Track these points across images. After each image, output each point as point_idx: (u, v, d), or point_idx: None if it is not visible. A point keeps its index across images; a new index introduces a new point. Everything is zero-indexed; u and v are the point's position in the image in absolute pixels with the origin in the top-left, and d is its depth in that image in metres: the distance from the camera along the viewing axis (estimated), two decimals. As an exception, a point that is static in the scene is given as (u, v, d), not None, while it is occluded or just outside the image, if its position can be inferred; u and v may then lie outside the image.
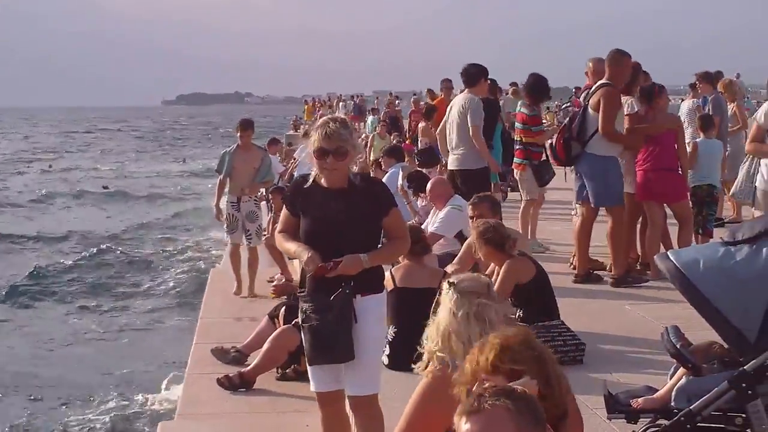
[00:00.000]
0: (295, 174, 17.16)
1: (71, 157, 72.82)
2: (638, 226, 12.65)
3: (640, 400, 5.93)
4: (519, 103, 17.04)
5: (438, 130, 14.64)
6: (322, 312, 6.00)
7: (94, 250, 26.99)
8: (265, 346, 9.39)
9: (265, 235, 14.11)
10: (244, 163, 13.29)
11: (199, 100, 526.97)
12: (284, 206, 6.43)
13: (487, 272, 9.41)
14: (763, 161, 9.23)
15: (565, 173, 12.95)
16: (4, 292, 20.92)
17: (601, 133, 11.44)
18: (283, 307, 9.88)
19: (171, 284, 22.22)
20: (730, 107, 17.12)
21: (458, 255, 10.23)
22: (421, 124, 22.32)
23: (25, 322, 18.80)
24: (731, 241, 5.68)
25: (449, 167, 13.31)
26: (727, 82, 17.69)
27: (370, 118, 35.07)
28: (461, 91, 14.15)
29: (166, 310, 19.32)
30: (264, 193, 15.89)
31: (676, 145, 12.15)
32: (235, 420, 8.59)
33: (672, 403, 5.76)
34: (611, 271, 12.18)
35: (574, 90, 28.24)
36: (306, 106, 64.19)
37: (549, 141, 13.85)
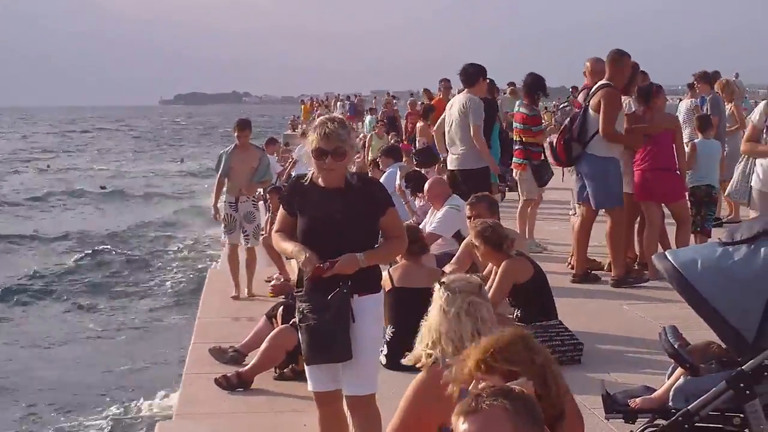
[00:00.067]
0: (293, 174, 17.14)
1: (69, 157, 72.77)
2: (636, 225, 12.66)
3: (638, 400, 5.93)
4: (517, 103, 17.04)
5: (435, 128, 14.65)
6: (320, 312, 6.00)
7: (91, 250, 26.98)
8: (263, 345, 9.38)
9: (263, 234, 14.09)
10: (242, 164, 13.26)
11: (197, 99, 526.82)
12: (281, 206, 6.42)
13: (485, 272, 9.42)
14: (758, 161, 9.23)
15: (563, 173, 12.95)
16: (0, 291, 20.91)
17: (601, 134, 11.44)
18: (281, 307, 9.86)
19: (169, 284, 22.22)
20: (728, 107, 17.14)
21: (456, 255, 10.24)
22: (419, 124, 22.33)
23: (23, 322, 18.79)
24: (729, 242, 5.69)
25: (449, 167, 13.31)
26: (724, 82, 17.70)
27: (368, 118, 35.08)
28: (459, 91, 14.15)
29: (164, 310, 19.31)
30: (262, 193, 15.86)
31: (674, 145, 12.17)
32: (233, 420, 8.58)
33: (670, 403, 5.77)
34: (609, 271, 12.20)
35: (571, 90, 28.25)
36: (303, 106, 64.15)
37: (549, 140, 13.87)
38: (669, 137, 12.10)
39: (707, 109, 16.34)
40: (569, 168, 12.40)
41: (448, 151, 13.37)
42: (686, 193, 12.90)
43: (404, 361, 5.22)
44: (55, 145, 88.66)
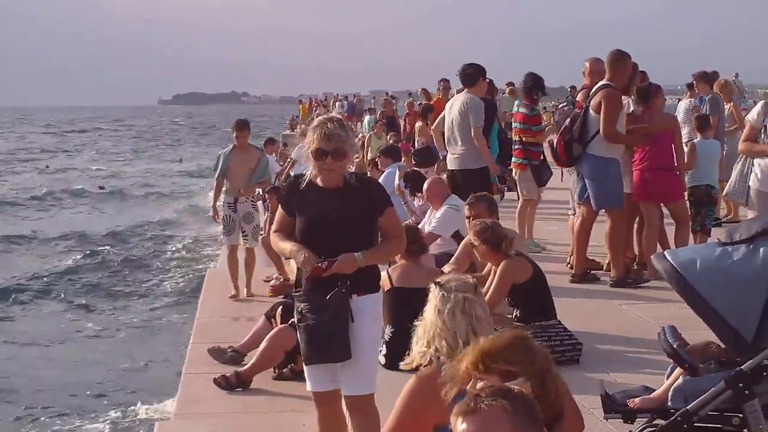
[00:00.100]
0: (292, 174, 17.15)
1: (68, 157, 72.73)
2: (635, 225, 12.66)
3: (637, 400, 5.93)
4: (516, 103, 17.03)
5: (434, 126, 14.65)
6: (318, 311, 6.00)
7: (90, 250, 26.97)
8: (262, 345, 9.39)
9: (261, 234, 14.09)
10: (240, 164, 13.26)
11: (196, 99, 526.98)
12: (279, 206, 6.42)
13: (484, 272, 9.43)
14: (756, 161, 9.23)
15: (562, 173, 12.96)
16: (-1, 291, 20.95)
17: (602, 135, 11.44)
18: (280, 307, 9.87)
19: (168, 284, 22.20)
20: (727, 107, 17.15)
21: (455, 255, 10.24)
22: (418, 124, 22.32)
23: (21, 322, 18.76)
24: (728, 242, 5.69)
25: (449, 167, 13.31)
26: (722, 82, 17.70)
27: (366, 118, 35.06)
28: (458, 91, 14.13)
29: (163, 310, 19.29)
30: (261, 193, 15.87)
31: (673, 145, 12.17)
32: (232, 420, 8.58)
33: (669, 403, 5.77)
34: (608, 271, 12.20)
35: (569, 89, 28.23)
36: (301, 106, 64.08)
37: (548, 140, 13.87)
38: (668, 137, 12.10)
39: (706, 109, 16.35)
40: (569, 168, 12.40)
41: (447, 149, 13.37)
42: (685, 193, 12.91)
43: (402, 366, 5.22)
44: (53, 145, 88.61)
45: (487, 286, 8.95)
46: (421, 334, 5.08)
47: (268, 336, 9.45)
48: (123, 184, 49.06)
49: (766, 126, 9.11)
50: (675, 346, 5.86)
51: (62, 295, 20.99)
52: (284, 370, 9.39)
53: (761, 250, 5.52)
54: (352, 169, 6.44)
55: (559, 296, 9.57)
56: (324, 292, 5.98)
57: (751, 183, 9.29)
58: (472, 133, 12.63)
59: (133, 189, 47.02)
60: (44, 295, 20.96)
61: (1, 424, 12.53)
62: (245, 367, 9.35)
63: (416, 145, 21.19)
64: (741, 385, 5.50)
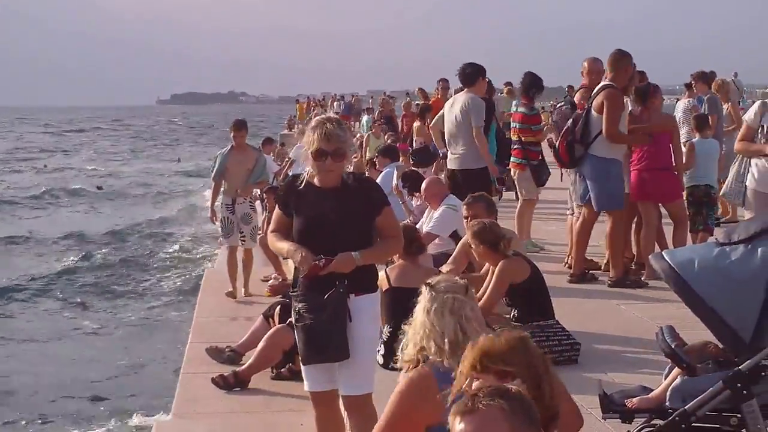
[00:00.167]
0: (290, 174, 17.14)
1: (66, 157, 72.68)
2: (633, 225, 12.66)
3: (635, 399, 5.94)
4: (514, 103, 17.02)
5: (432, 124, 14.65)
6: (316, 311, 6.00)
7: (88, 250, 26.95)
8: (260, 345, 9.39)
9: (259, 234, 14.09)
10: (238, 165, 13.25)
11: (194, 99, 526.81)
12: (277, 206, 6.42)
13: (482, 272, 9.43)
14: (753, 161, 9.23)
15: (562, 173, 12.95)
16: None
17: (605, 135, 11.43)
18: (278, 306, 9.87)
19: (165, 284, 22.19)
20: (725, 107, 17.16)
21: (453, 255, 10.24)
22: (416, 124, 22.32)
23: (19, 322, 18.74)
24: (726, 242, 5.69)
25: (449, 166, 13.31)
26: (719, 82, 17.72)
27: (365, 118, 35.04)
28: (456, 91, 14.12)
29: (161, 310, 19.28)
30: (259, 193, 15.87)
31: (671, 145, 12.17)
32: (230, 419, 8.58)
33: (667, 403, 5.78)
34: (606, 271, 12.21)
35: (567, 89, 28.22)
36: (298, 105, 64.01)
37: (547, 139, 13.85)
38: (666, 137, 12.10)
39: (705, 109, 16.36)
40: (566, 170, 12.41)
41: (446, 148, 13.38)
42: (683, 193, 12.91)
43: (400, 366, 5.22)
44: (52, 145, 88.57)
45: (484, 286, 8.96)
46: (411, 334, 5.08)
47: (266, 336, 9.45)
48: (121, 184, 49.06)
49: (763, 126, 9.12)
50: (673, 346, 5.87)
51: (60, 294, 20.98)
52: (282, 370, 9.39)
53: (759, 250, 5.53)
54: (350, 169, 6.45)
55: (557, 296, 9.57)
56: (322, 291, 5.99)
57: (748, 183, 9.29)
58: (474, 133, 12.63)
59: (131, 188, 47.03)
60: (42, 294, 20.96)
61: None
62: (243, 367, 9.35)
63: (414, 145, 21.18)
64: (739, 385, 5.49)
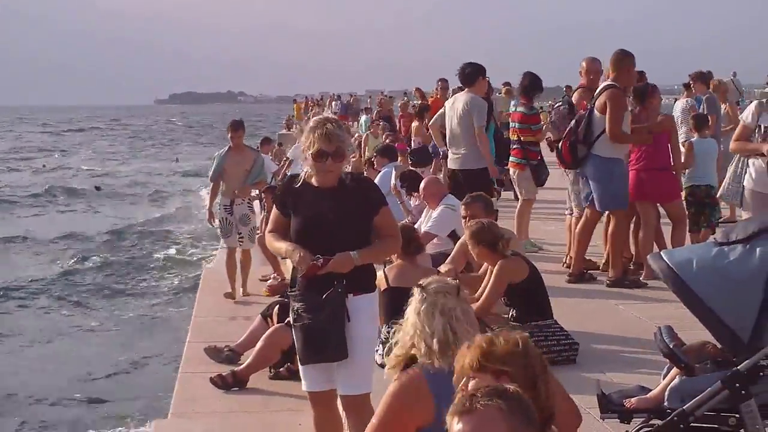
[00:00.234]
0: (289, 173, 17.12)
1: (64, 156, 72.64)
2: (631, 225, 12.66)
3: (633, 399, 5.93)
4: (512, 102, 17.01)
5: (431, 123, 14.65)
6: (314, 311, 6.00)
7: (85, 249, 26.96)
8: (258, 345, 9.39)
9: (258, 233, 14.09)
10: (236, 165, 13.23)
11: (192, 99, 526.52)
12: (274, 206, 6.42)
13: (480, 272, 9.43)
14: (750, 161, 9.25)
15: (565, 173, 12.94)
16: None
17: (608, 135, 11.43)
18: (277, 306, 9.86)
19: (164, 283, 22.20)
20: (723, 107, 17.18)
21: (451, 254, 10.24)
22: (415, 124, 22.31)
23: (17, 322, 18.73)
24: (725, 241, 5.69)
25: (450, 166, 13.31)
26: (716, 82, 17.75)
27: (363, 118, 35.02)
28: (454, 91, 14.11)
29: (159, 310, 19.28)
30: (258, 193, 15.86)
31: (669, 145, 12.17)
32: (228, 419, 8.58)
33: (665, 403, 5.77)
34: (604, 271, 12.21)
35: (565, 89, 28.23)
36: (296, 105, 63.97)
37: (546, 140, 13.84)
38: (665, 137, 12.11)
39: (704, 109, 16.37)
40: (566, 170, 12.42)
41: (446, 146, 13.38)
42: (682, 193, 12.91)
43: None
44: (50, 145, 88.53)
45: (483, 286, 8.96)
46: (401, 335, 5.08)
47: (264, 335, 9.45)
48: (119, 184, 49.05)
49: (760, 126, 9.13)
50: (671, 346, 5.86)
51: (58, 294, 20.97)
52: (280, 370, 9.39)
53: (758, 250, 5.53)
54: (349, 168, 6.45)
55: (555, 296, 9.58)
56: (320, 291, 5.98)
57: (745, 183, 9.30)
58: (476, 133, 12.64)
59: (130, 188, 47.03)
60: (40, 294, 20.96)
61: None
62: (241, 367, 9.35)
63: (413, 144, 21.18)
64: (737, 385, 5.49)
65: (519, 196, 14.51)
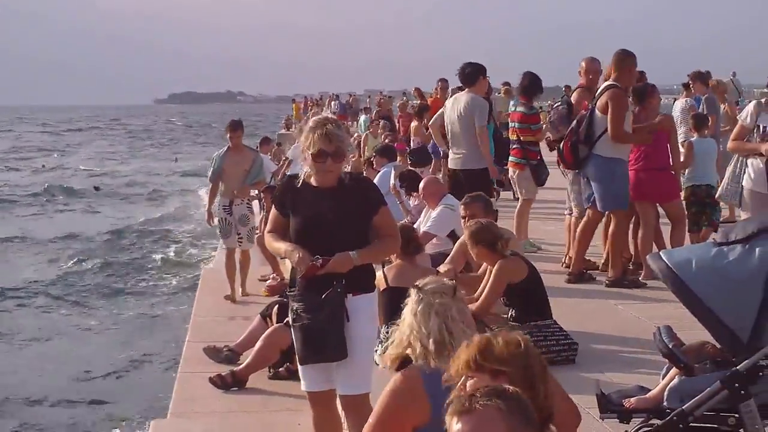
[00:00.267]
0: (288, 173, 17.11)
1: (63, 156, 72.60)
2: (631, 225, 12.66)
3: (632, 399, 5.93)
4: (511, 102, 16.99)
5: (431, 123, 14.64)
6: (314, 311, 5.99)
7: (84, 249, 26.96)
8: (258, 344, 9.38)
9: (257, 233, 14.07)
10: (235, 166, 13.21)
11: (191, 98, 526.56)
12: (273, 206, 6.41)
13: (479, 272, 9.43)
14: (749, 161, 9.26)
15: (563, 173, 12.94)
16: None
17: (611, 135, 11.42)
18: (276, 306, 9.86)
19: (163, 283, 22.20)
20: (722, 107, 17.19)
21: (450, 254, 10.24)
22: (414, 123, 22.30)
23: (14, 322, 18.72)
24: (724, 242, 5.69)
25: (450, 166, 13.31)
26: (715, 82, 17.76)
27: (362, 117, 35.02)
28: (453, 91, 14.09)
29: (158, 309, 19.29)
30: (257, 193, 15.85)
31: (668, 145, 12.17)
32: (228, 419, 8.58)
33: (664, 403, 5.77)
34: (603, 271, 12.20)
35: (564, 88, 28.25)
36: (294, 105, 63.95)
37: (546, 139, 13.84)
38: (664, 137, 12.11)
39: (703, 109, 16.38)
40: (565, 171, 12.42)
41: (447, 146, 13.38)
42: (681, 193, 12.91)
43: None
44: (49, 144, 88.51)
45: (482, 286, 8.96)
46: (397, 335, 5.08)
47: (263, 335, 9.44)
48: (118, 184, 49.04)
49: (759, 126, 9.14)
50: (671, 346, 5.86)
51: (57, 294, 20.97)
52: (280, 370, 9.39)
53: (757, 250, 5.52)
54: (348, 168, 6.45)
55: (554, 296, 9.58)
56: (319, 291, 5.98)
57: (744, 183, 9.30)
58: (477, 133, 12.64)
59: (129, 188, 47.03)
60: (39, 294, 20.94)
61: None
62: (241, 367, 9.34)
63: (412, 144, 21.18)
64: (737, 385, 5.49)
65: (519, 196, 14.50)
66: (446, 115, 13.27)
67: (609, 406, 5.98)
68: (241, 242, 13.35)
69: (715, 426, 5.70)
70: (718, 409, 5.61)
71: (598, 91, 11.82)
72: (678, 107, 17.90)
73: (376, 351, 7.69)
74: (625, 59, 11.69)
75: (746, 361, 5.48)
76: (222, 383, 9.12)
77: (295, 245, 6.05)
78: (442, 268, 9.45)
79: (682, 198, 12.98)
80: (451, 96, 14.85)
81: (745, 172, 9.32)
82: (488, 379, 3.74)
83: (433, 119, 14.48)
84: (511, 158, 14.15)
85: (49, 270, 23.98)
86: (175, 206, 38.33)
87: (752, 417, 5.52)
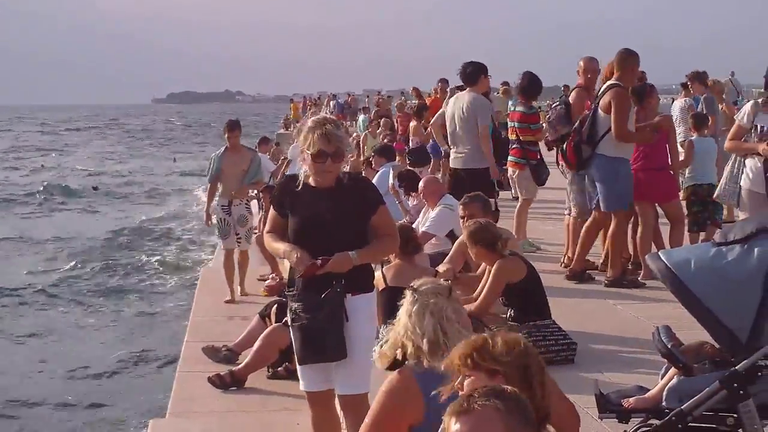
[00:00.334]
0: (287, 173, 17.09)
1: (62, 156, 72.55)
2: (630, 225, 12.66)
3: (631, 399, 5.93)
4: (510, 102, 16.98)
5: (432, 122, 14.64)
6: (313, 311, 5.99)
7: (82, 250, 26.95)
8: (256, 344, 9.37)
9: (255, 233, 14.05)
10: (233, 166, 13.18)
11: (190, 98, 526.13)
12: (272, 206, 6.41)
13: (478, 272, 9.43)
14: (747, 161, 9.26)
15: (562, 173, 12.93)
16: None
17: (615, 134, 11.42)
18: (275, 306, 9.85)
19: (162, 282, 22.20)
20: (720, 107, 17.20)
21: (449, 254, 10.23)
22: (413, 123, 22.31)
23: (16, 323, 18.72)
24: (723, 242, 5.69)
25: (452, 165, 13.30)
26: (712, 82, 17.77)
27: (361, 117, 35.03)
28: (452, 91, 14.09)
29: (157, 309, 19.29)
30: (256, 193, 15.82)
31: (666, 145, 12.18)
32: (226, 418, 8.57)
33: (663, 403, 5.77)
34: (602, 271, 12.20)
35: (563, 88, 28.28)
36: (292, 105, 63.92)
37: (545, 139, 13.84)
38: (662, 137, 12.11)
39: (702, 108, 16.38)
40: (565, 171, 12.42)
41: (448, 146, 13.39)
42: (680, 193, 12.91)
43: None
44: (48, 144, 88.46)
45: (481, 286, 8.96)
46: (392, 335, 5.08)
47: (262, 335, 9.44)
48: (117, 184, 49.02)
49: (756, 126, 9.15)
50: (669, 346, 5.86)
51: (55, 294, 20.97)
52: (279, 369, 9.38)
53: (756, 250, 5.52)
54: (347, 168, 6.44)
55: (553, 296, 9.58)
56: (318, 291, 5.97)
57: (742, 183, 9.31)
58: (480, 133, 12.64)
59: (127, 188, 47.00)
60: (37, 294, 20.94)
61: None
62: (240, 366, 9.33)
63: (411, 144, 21.18)
64: (736, 385, 5.49)
65: (519, 196, 14.50)
66: (447, 114, 13.28)
67: (608, 406, 5.98)
68: (239, 242, 13.33)
69: (714, 426, 5.70)
70: (717, 409, 5.61)
71: (601, 90, 11.82)
72: (677, 107, 17.91)
73: (375, 351, 7.69)
74: (627, 58, 11.69)
75: (745, 361, 5.48)
76: (221, 383, 9.11)
77: (293, 246, 6.04)
78: (440, 268, 9.44)
79: (680, 198, 12.98)
80: (450, 95, 14.86)
81: (742, 172, 9.33)
82: (485, 377, 3.74)
83: (434, 119, 14.48)
84: (510, 158, 14.15)
85: (47, 270, 23.97)
86: (174, 206, 38.33)
87: (751, 417, 5.52)
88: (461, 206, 10.22)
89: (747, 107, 9.45)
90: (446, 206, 11.48)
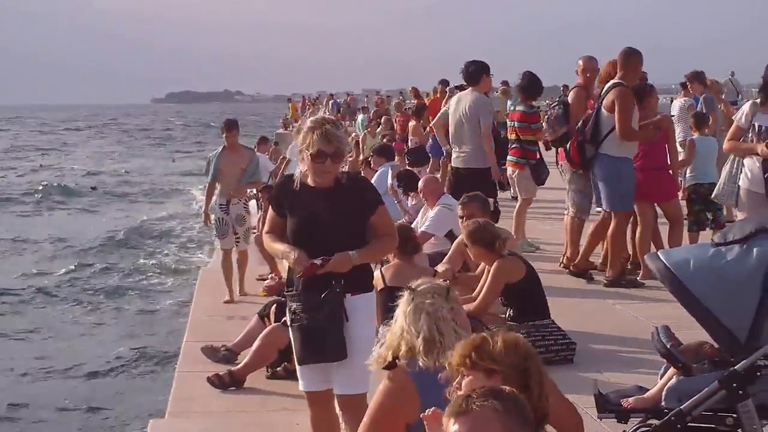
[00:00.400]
0: (286, 173, 17.09)
1: (61, 156, 72.54)
2: (629, 225, 12.66)
3: (630, 399, 5.93)
4: (509, 102, 16.97)
5: (434, 122, 14.63)
6: (313, 311, 5.98)
7: (81, 250, 26.94)
8: (255, 344, 9.37)
9: (254, 233, 14.03)
10: (231, 165, 13.16)
11: (189, 98, 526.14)
12: (270, 207, 6.40)
13: (477, 272, 9.43)
14: (746, 161, 9.27)
15: (562, 173, 12.93)
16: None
17: (619, 133, 11.42)
18: (274, 306, 9.84)
19: (161, 282, 22.19)
20: (719, 107, 17.21)
21: (448, 254, 10.23)
22: (412, 123, 22.31)
23: (15, 323, 18.71)
24: (722, 242, 5.69)
25: (454, 164, 13.30)
26: (710, 82, 17.78)
27: (360, 117, 35.04)
28: (451, 90, 14.09)
29: (156, 308, 19.29)
30: (255, 192, 15.81)
31: (666, 145, 12.18)
32: (226, 418, 8.56)
33: (662, 403, 5.77)
34: (602, 270, 12.20)
35: (562, 88, 28.26)
36: (290, 105, 63.89)
37: (544, 138, 13.84)
38: (662, 137, 12.11)
39: (702, 108, 16.39)
40: (564, 170, 12.41)
41: (449, 145, 13.39)
42: (679, 193, 12.90)
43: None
44: (47, 144, 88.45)
45: (480, 285, 8.96)
46: (388, 335, 5.08)
47: (261, 335, 9.43)
48: (116, 184, 49.01)
49: (754, 126, 9.15)
50: (668, 346, 5.86)
51: (54, 294, 20.96)
52: (278, 369, 9.37)
53: (755, 250, 5.52)
54: (346, 168, 6.44)
55: (553, 296, 9.58)
56: (318, 291, 5.97)
57: (741, 183, 9.31)
58: (482, 132, 12.65)
59: (126, 187, 46.99)
60: (35, 294, 20.93)
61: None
62: (239, 366, 9.32)
63: (410, 144, 21.19)
64: (735, 385, 5.49)
65: (519, 196, 14.50)
66: (450, 113, 13.28)
67: (607, 405, 5.98)
68: (238, 242, 13.32)
69: (713, 426, 5.70)
70: (716, 409, 5.61)
71: (604, 89, 11.81)
72: (676, 107, 17.92)
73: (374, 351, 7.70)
74: (631, 57, 11.69)
75: (744, 361, 5.48)
76: (220, 383, 9.11)
77: (292, 246, 6.04)
78: (439, 268, 9.44)
79: (680, 198, 12.99)
80: (449, 95, 14.86)
81: (741, 172, 9.33)
82: (482, 377, 3.75)
83: (436, 118, 14.47)
84: (510, 158, 14.15)
85: (46, 270, 23.95)
86: (173, 206, 38.32)
87: (750, 417, 5.52)
88: (460, 206, 10.22)
89: (745, 107, 9.45)
90: (445, 206, 11.48)
